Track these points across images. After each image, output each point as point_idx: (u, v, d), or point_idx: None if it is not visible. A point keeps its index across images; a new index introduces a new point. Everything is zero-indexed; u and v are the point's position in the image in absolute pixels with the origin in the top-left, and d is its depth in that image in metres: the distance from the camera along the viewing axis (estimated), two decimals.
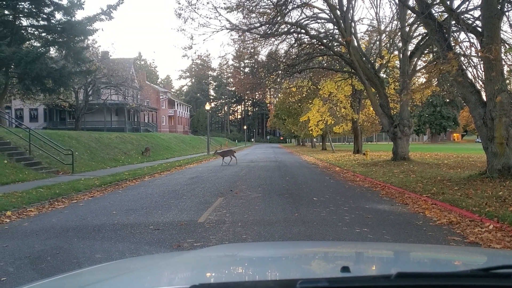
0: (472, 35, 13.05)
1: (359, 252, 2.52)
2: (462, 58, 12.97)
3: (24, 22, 25.39)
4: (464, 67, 12.85)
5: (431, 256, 2.35)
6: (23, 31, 25.31)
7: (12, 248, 6.03)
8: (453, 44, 13.12)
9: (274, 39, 22.63)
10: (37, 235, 6.86)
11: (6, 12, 24.02)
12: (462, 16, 13.01)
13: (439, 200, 9.21)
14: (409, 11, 19.85)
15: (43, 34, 25.76)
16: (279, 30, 20.97)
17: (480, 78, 13.26)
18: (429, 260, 2.22)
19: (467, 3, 14.09)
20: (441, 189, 10.72)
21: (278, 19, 19.42)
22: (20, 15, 24.65)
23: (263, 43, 23.06)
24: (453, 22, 13.48)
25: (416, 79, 28.14)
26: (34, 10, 24.14)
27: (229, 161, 25.55)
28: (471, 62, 13.64)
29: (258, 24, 20.69)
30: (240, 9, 19.51)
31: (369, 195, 11.19)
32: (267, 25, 20.20)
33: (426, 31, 18.13)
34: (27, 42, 26.47)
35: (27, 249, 5.93)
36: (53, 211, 9.34)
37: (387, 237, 6.32)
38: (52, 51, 28.89)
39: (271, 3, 19.15)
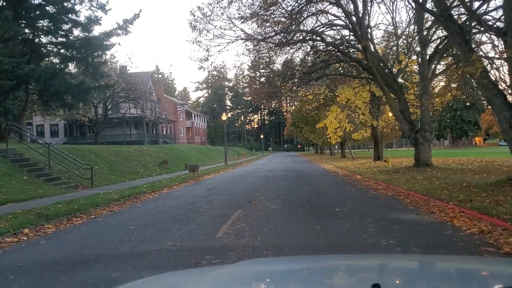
0: (494, 36, 12.66)
1: (389, 266, 2.40)
2: (485, 60, 12.57)
3: (43, 39, 25.88)
4: (487, 69, 12.45)
5: (465, 268, 2.20)
6: (42, 48, 25.77)
7: (27, 268, 5.90)
8: (474, 46, 12.73)
9: (289, 48, 22.53)
10: (53, 253, 6.75)
11: (26, 30, 24.49)
12: (483, 17, 12.64)
13: (467, 208, 8.79)
14: (426, 14, 19.47)
15: (62, 51, 26.18)
16: (294, 38, 20.83)
17: (503, 80, 12.84)
18: (463, 273, 2.08)
19: (486, 4, 13.70)
20: (468, 196, 10.29)
21: (293, 27, 19.29)
22: (40, 32, 25.13)
23: (278, 52, 22.98)
24: (474, 23, 13.11)
25: (436, 83, 27.57)
26: (53, 27, 24.57)
27: (197, 174, 23.46)
28: (494, 64, 13.24)
29: (273, 33, 20.58)
30: (255, 19, 19.49)
31: (393, 204, 10.83)
32: (282, 34, 20.09)
33: (444, 34, 17.75)
34: (46, 59, 26.92)
35: (42, 268, 5.79)
36: (71, 227, 9.26)
37: (415, 249, 6.00)
38: (71, 67, 29.43)
39: (285, 12, 19.04)
